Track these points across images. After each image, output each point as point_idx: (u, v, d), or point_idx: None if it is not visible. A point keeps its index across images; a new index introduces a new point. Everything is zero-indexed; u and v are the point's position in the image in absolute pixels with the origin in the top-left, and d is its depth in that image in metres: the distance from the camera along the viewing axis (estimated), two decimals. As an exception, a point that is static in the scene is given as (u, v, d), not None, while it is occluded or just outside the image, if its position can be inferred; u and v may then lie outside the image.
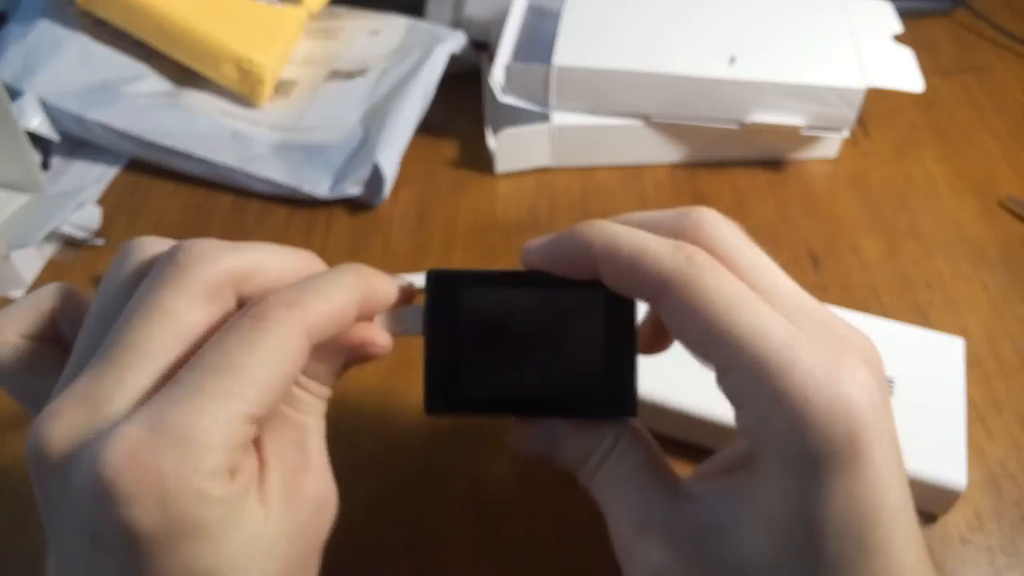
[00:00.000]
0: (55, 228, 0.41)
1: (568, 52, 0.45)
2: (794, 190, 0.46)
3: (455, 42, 0.51)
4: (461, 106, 0.51)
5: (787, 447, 0.19)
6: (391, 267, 0.31)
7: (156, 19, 0.48)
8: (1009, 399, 0.35)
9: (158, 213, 0.46)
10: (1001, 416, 0.35)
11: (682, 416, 0.31)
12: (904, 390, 0.32)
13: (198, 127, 0.47)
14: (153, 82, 0.49)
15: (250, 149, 0.47)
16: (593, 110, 0.46)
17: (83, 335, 0.21)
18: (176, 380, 0.18)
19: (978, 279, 0.41)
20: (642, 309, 0.23)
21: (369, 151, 0.45)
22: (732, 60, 0.44)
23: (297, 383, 0.22)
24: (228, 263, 0.20)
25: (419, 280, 0.23)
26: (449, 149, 0.49)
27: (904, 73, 0.45)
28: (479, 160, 0.48)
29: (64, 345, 0.23)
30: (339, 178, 0.45)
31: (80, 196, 0.43)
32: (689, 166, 0.48)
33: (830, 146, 0.48)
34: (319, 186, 0.45)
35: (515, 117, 0.46)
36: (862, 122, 0.50)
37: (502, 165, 0.47)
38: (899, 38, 0.48)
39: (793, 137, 0.46)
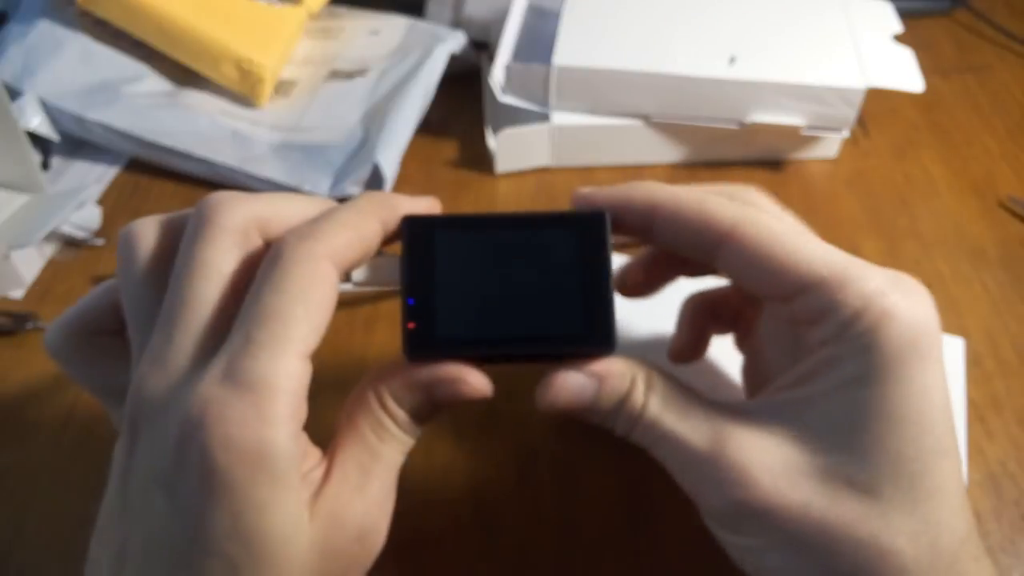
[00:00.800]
0: (55, 228, 0.41)
1: (568, 52, 0.45)
2: (794, 190, 0.46)
3: (455, 42, 0.51)
4: (461, 106, 0.51)
5: (870, 348, 0.20)
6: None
7: (156, 19, 0.48)
8: (1009, 399, 0.35)
9: (158, 213, 0.46)
10: (1001, 416, 0.35)
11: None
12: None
13: (198, 127, 0.47)
14: (153, 82, 0.49)
15: (250, 149, 0.47)
16: (593, 110, 0.46)
17: (131, 317, 0.23)
18: (232, 333, 0.20)
19: (978, 279, 0.41)
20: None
21: (369, 151, 0.45)
22: (732, 60, 0.44)
23: (386, 410, 0.22)
24: (247, 207, 0.22)
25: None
26: (449, 149, 0.49)
27: (904, 73, 0.45)
28: (479, 160, 0.48)
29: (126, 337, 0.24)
30: (339, 178, 0.45)
31: (80, 196, 0.43)
32: (689, 166, 0.48)
33: (830, 146, 0.48)
34: (319, 186, 0.45)
35: (515, 117, 0.46)
36: (862, 122, 0.50)
37: (502, 165, 0.47)
38: (899, 38, 0.48)
39: (793, 137, 0.46)
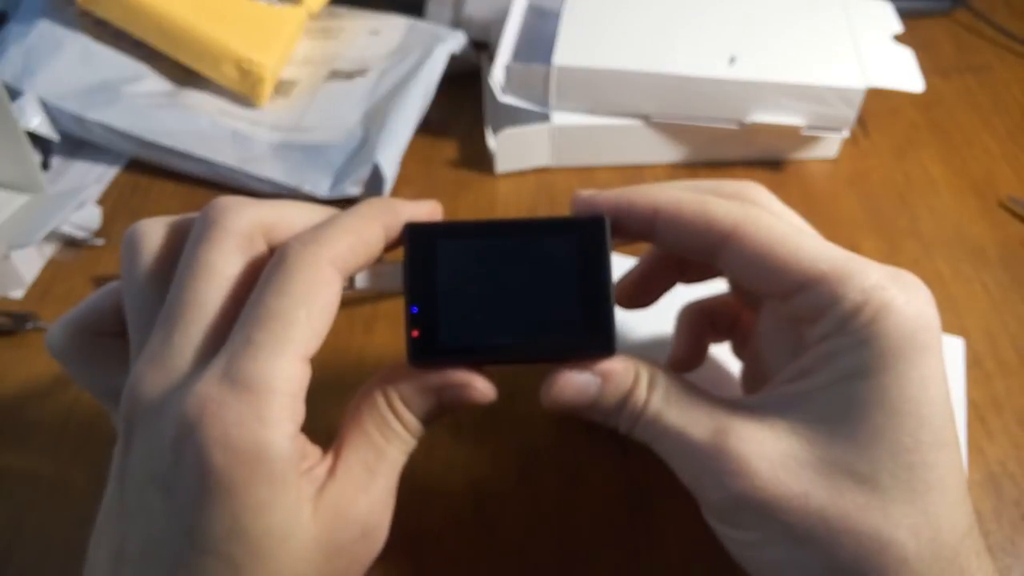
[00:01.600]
0: (55, 228, 0.41)
1: (568, 52, 0.45)
2: (794, 190, 0.46)
3: (455, 42, 0.51)
4: (461, 106, 0.51)
5: (869, 341, 0.21)
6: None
7: (156, 19, 0.48)
8: (1009, 399, 0.35)
9: (158, 213, 0.45)
10: (1001, 416, 0.35)
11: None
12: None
13: (198, 127, 0.47)
14: (153, 82, 0.49)
15: (250, 149, 0.47)
16: (593, 110, 0.46)
17: (131, 318, 0.23)
18: (232, 335, 0.20)
19: (978, 279, 0.41)
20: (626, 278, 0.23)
21: (369, 151, 0.45)
22: (732, 60, 0.44)
23: (394, 411, 0.23)
24: (253, 212, 0.22)
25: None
26: (449, 149, 0.49)
27: (904, 73, 0.45)
28: (479, 160, 0.48)
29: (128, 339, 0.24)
30: (339, 178, 0.45)
31: (80, 196, 0.43)
32: (689, 166, 0.48)
33: (830, 146, 0.48)
34: (319, 186, 0.45)
35: (515, 117, 0.46)
36: (862, 122, 0.50)
37: (502, 165, 0.47)
38: (899, 38, 0.48)
39: (793, 137, 0.46)
